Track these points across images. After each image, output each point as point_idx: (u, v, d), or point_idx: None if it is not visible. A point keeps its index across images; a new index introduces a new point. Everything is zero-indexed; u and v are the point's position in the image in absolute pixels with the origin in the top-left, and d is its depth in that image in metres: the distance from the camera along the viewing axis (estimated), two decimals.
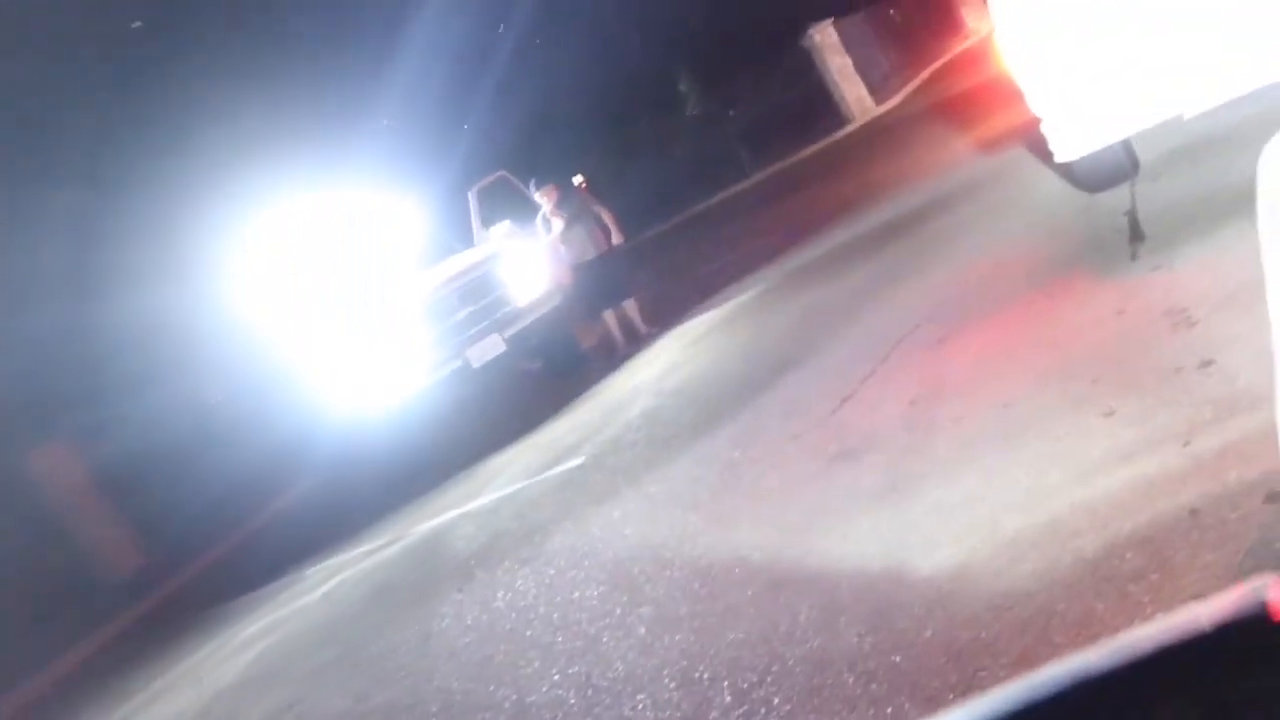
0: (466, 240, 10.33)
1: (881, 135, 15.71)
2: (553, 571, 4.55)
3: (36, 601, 10.35)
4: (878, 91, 20.32)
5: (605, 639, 3.55)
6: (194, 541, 11.58)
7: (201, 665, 6.92)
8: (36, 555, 10.89)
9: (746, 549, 3.65)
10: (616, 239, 9.09)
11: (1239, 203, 1.68)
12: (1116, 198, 5.25)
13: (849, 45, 20.21)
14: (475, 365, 8.16)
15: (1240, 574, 2.11)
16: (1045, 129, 4.54)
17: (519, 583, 4.64)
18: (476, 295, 8.42)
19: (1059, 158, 4.62)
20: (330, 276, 8.54)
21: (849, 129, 19.41)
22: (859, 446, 4.02)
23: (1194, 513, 2.40)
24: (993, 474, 3.19)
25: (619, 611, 3.74)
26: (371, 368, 8.03)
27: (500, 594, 4.64)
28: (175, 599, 10.61)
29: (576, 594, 4.14)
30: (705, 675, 2.94)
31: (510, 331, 8.41)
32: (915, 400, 4.15)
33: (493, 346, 8.26)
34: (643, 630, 3.46)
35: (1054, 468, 3.00)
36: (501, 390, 9.38)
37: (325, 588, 6.87)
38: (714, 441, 5.14)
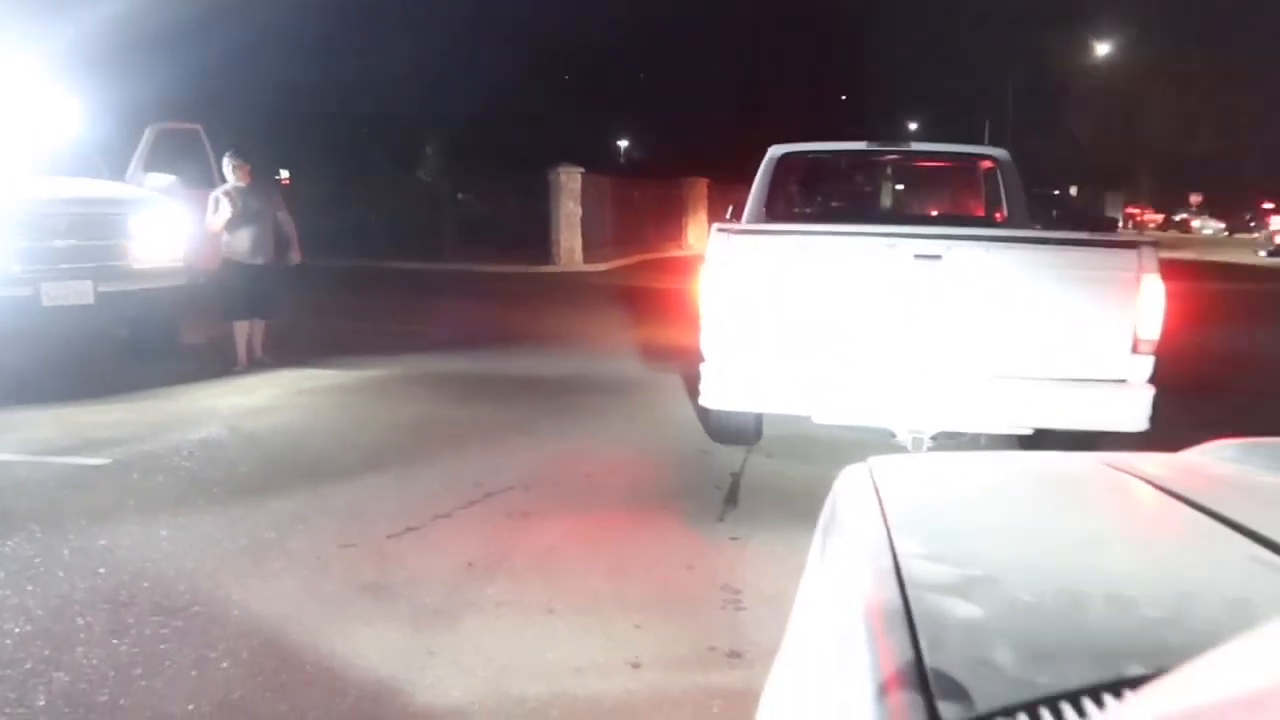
0: (118, 174, 8.99)
1: (574, 290, 16.21)
2: None
3: None
4: (590, 250, 21.16)
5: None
6: None
7: None
8: None
9: (201, 644, 3.14)
10: (296, 256, 8.30)
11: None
12: (732, 456, 5.58)
13: (586, 199, 21.01)
14: (45, 303, 6.89)
15: None
16: (702, 371, 4.75)
17: None
18: (88, 232, 7.23)
19: (702, 401, 4.85)
20: None
21: (548, 268, 19.94)
22: (395, 586, 3.70)
23: None
24: (503, 676, 2.99)
25: (18, 675, 3.03)
26: None
27: None
28: None
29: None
30: None
31: (108, 287, 7.25)
32: (473, 563, 3.94)
33: (77, 293, 7.06)
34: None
35: (559, 690, 2.87)
36: (66, 343, 8.00)
37: None
38: (258, 510, 4.58)
